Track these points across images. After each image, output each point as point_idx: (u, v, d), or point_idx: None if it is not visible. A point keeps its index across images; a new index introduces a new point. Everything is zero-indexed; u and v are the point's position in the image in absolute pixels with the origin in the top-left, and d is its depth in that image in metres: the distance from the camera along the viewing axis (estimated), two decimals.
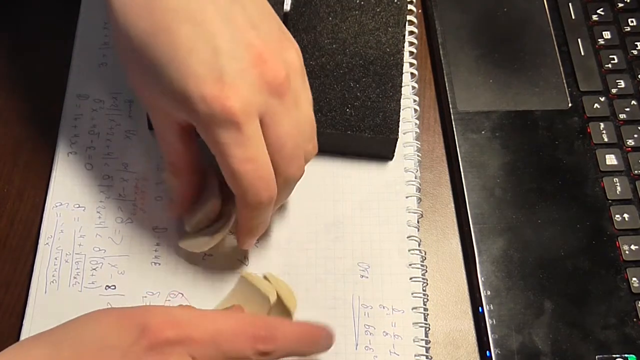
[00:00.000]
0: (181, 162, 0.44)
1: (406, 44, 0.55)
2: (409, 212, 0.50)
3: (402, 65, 0.51)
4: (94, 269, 0.47)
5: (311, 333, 0.39)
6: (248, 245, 0.45)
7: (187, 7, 0.38)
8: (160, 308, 0.37)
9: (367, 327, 0.46)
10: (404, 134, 0.52)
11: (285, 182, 0.42)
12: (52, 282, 0.46)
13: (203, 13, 0.38)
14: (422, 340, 0.46)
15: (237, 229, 0.44)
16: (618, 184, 0.51)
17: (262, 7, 0.41)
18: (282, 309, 0.44)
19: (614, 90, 0.55)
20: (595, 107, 0.54)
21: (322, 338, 0.40)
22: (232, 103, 0.37)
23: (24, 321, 0.45)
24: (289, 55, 0.41)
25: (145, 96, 0.42)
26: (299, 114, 0.41)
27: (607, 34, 0.57)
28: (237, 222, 0.44)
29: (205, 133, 0.39)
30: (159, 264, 0.47)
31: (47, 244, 0.47)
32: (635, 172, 0.51)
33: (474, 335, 0.47)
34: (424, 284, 0.47)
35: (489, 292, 0.47)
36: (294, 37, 0.51)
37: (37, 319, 0.45)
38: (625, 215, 0.50)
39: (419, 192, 0.51)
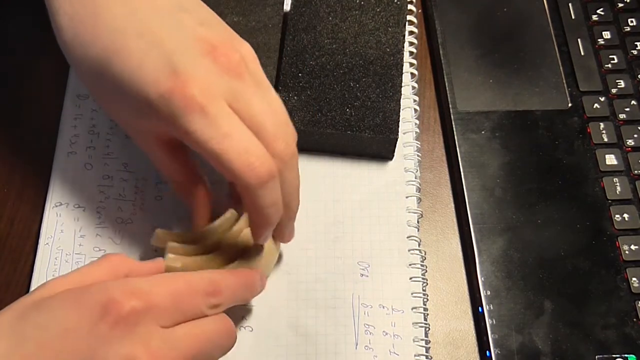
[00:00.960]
0: (180, 176, 0.44)
1: (406, 44, 0.55)
2: (409, 212, 0.50)
3: (402, 65, 0.51)
4: None
5: (247, 278, 0.41)
6: (264, 238, 0.43)
7: (132, 24, 0.39)
8: (116, 281, 0.37)
9: (367, 326, 0.46)
10: (404, 134, 0.52)
11: (281, 161, 0.40)
12: None
13: (148, 25, 0.39)
14: (422, 340, 0.46)
15: (250, 221, 0.42)
16: (618, 184, 0.51)
17: (209, 13, 0.42)
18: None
19: (614, 90, 0.55)
20: (595, 107, 0.54)
21: (257, 281, 0.42)
22: (189, 89, 0.37)
23: None
24: (241, 47, 0.41)
25: (118, 118, 0.42)
26: (265, 94, 0.40)
27: (607, 34, 0.57)
28: (249, 216, 0.42)
29: (177, 131, 0.38)
30: None
31: (47, 244, 0.47)
32: (635, 172, 0.51)
33: (474, 335, 0.47)
34: (424, 284, 0.48)
35: (489, 292, 0.47)
36: (294, 37, 0.52)
37: None
38: (625, 215, 0.50)
39: (419, 192, 0.51)
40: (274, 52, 0.51)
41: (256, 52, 0.41)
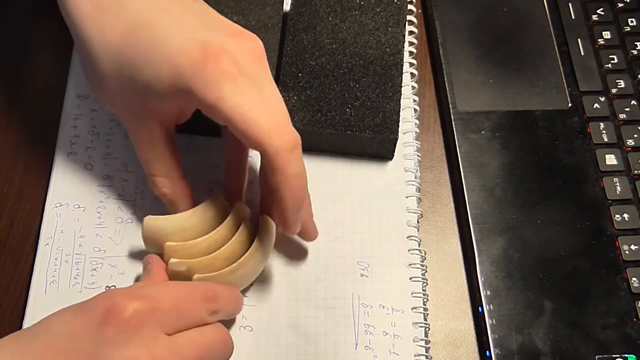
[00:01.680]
0: (173, 169, 0.44)
1: (406, 44, 0.55)
2: (409, 212, 0.50)
3: (402, 65, 0.51)
4: (94, 269, 0.47)
5: (235, 292, 0.43)
6: (293, 221, 0.43)
7: (157, 3, 0.40)
8: (119, 289, 0.38)
9: (367, 326, 0.46)
10: (404, 134, 0.52)
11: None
12: (52, 282, 0.46)
13: (172, 6, 0.41)
14: (421, 340, 0.46)
15: (278, 205, 0.42)
16: (618, 184, 0.51)
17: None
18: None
19: (613, 90, 0.55)
20: (595, 107, 0.54)
21: (240, 298, 0.44)
22: (223, 58, 0.39)
23: (24, 321, 0.45)
24: (260, 40, 0.42)
25: (130, 108, 0.43)
26: (275, 85, 0.42)
27: (607, 34, 0.57)
28: (278, 201, 0.41)
29: (205, 99, 0.39)
30: None
31: (47, 244, 0.47)
32: (635, 172, 0.51)
33: (474, 335, 0.47)
34: (424, 284, 0.48)
35: (488, 292, 0.47)
36: (294, 37, 0.52)
37: (37, 319, 0.44)
38: (625, 215, 0.50)
39: (419, 192, 0.51)
40: (273, 52, 0.51)
41: None
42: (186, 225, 0.44)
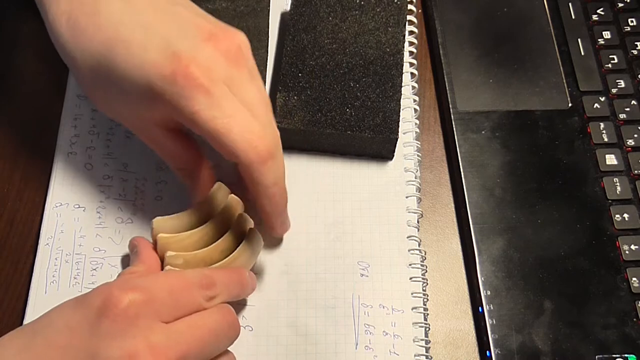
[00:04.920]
0: (185, 162, 0.45)
1: (406, 44, 0.55)
2: (409, 212, 0.50)
3: (402, 65, 0.51)
4: (94, 269, 0.47)
5: (239, 275, 0.43)
6: (279, 224, 0.45)
7: (132, 16, 0.40)
8: (114, 281, 0.38)
9: (367, 326, 0.46)
10: (404, 134, 0.52)
11: (274, 146, 0.42)
12: (52, 282, 0.46)
13: (147, 17, 0.40)
14: (422, 340, 0.46)
15: (260, 210, 0.43)
16: (618, 184, 0.51)
17: (199, 8, 0.43)
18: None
19: (614, 90, 0.55)
20: (595, 107, 0.54)
21: (247, 278, 0.43)
22: (192, 70, 0.38)
23: (24, 321, 0.45)
24: (238, 36, 0.42)
25: (120, 114, 0.43)
26: (258, 82, 0.42)
27: (607, 34, 0.57)
28: (258, 203, 0.43)
29: (181, 112, 0.39)
30: None
31: (47, 244, 0.47)
32: (635, 172, 0.51)
33: (474, 335, 0.47)
34: (424, 284, 0.48)
35: (489, 292, 0.47)
36: (294, 37, 0.52)
37: None
38: (625, 215, 0.50)
39: (419, 192, 0.51)
40: (264, 35, 0.52)
41: (247, 35, 0.42)
42: (193, 221, 0.45)
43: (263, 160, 0.40)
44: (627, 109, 0.54)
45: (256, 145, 0.40)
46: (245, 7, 0.52)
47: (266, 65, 0.52)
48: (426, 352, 0.45)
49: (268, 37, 0.52)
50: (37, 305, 0.45)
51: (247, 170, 0.40)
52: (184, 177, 0.46)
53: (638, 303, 0.47)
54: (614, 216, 0.50)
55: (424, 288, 0.47)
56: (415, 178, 0.51)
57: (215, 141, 0.39)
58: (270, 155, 0.40)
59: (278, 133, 0.42)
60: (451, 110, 0.54)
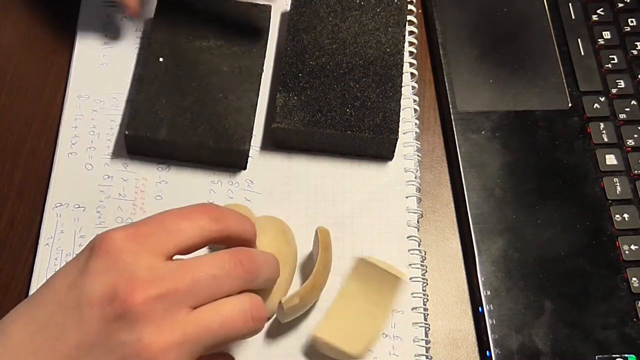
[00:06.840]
0: None
1: (406, 44, 0.55)
2: (409, 212, 0.50)
3: (402, 65, 0.51)
4: None
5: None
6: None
7: None
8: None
9: None
10: (404, 134, 0.52)
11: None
12: None
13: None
14: (422, 340, 0.46)
15: None
16: (618, 184, 0.51)
17: None
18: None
19: (614, 90, 0.55)
20: (595, 107, 0.54)
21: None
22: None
23: None
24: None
25: None
26: None
27: (607, 34, 0.57)
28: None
29: None
30: None
31: (47, 244, 0.47)
32: (635, 172, 0.51)
33: (474, 335, 0.47)
34: (424, 284, 0.48)
35: (489, 292, 0.47)
36: (294, 37, 0.52)
37: None
38: (625, 215, 0.50)
39: (419, 192, 0.51)
40: (256, 77, 0.51)
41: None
42: None
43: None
44: (627, 109, 0.54)
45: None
46: (240, 47, 0.52)
47: (255, 108, 0.50)
48: (426, 352, 0.45)
49: (261, 78, 0.51)
50: None
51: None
52: None
53: (638, 303, 0.47)
54: (614, 216, 0.50)
55: (424, 288, 0.47)
56: (415, 178, 0.51)
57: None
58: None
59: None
60: (451, 110, 0.54)
